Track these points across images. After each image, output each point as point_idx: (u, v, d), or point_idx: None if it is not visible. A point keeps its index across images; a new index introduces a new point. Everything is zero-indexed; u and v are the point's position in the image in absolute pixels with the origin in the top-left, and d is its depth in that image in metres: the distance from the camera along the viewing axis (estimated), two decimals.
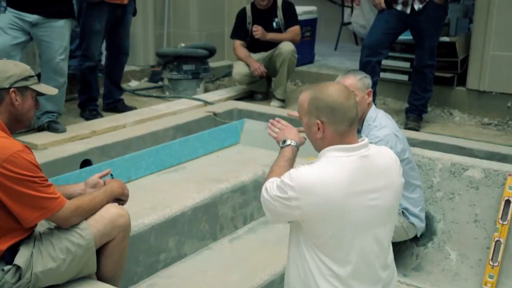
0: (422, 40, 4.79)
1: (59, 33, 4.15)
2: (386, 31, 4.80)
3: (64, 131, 4.15)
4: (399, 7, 4.72)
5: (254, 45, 5.54)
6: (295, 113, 2.50)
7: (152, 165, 4.00)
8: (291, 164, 2.30)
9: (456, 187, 3.60)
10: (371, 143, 2.24)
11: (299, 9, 6.02)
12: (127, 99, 5.27)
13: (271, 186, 2.16)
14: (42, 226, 2.53)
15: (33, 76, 2.53)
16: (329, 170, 2.07)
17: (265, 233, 3.73)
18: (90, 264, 2.53)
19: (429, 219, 3.63)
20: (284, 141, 2.38)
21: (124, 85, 5.51)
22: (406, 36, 5.07)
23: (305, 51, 6.57)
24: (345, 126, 2.11)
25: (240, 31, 5.61)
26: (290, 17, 5.55)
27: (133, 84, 6.13)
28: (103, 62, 5.17)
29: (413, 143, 3.87)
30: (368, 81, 3.26)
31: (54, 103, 4.20)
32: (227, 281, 3.18)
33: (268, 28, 5.49)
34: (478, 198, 3.53)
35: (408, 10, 4.69)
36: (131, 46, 5.15)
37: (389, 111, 4.20)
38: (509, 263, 3.41)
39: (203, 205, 3.56)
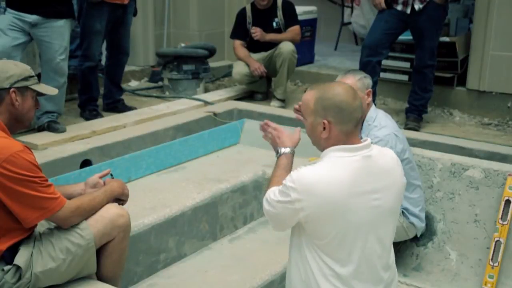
0: (422, 40, 4.79)
1: (59, 33, 4.15)
2: (386, 31, 4.80)
3: (64, 131, 4.15)
4: (399, 7, 4.72)
5: (254, 45, 5.54)
6: (299, 117, 2.50)
7: (152, 165, 4.00)
8: (288, 170, 2.28)
9: (456, 187, 3.60)
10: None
11: (299, 9, 6.02)
12: (127, 99, 5.27)
13: (272, 195, 2.15)
14: (42, 226, 2.53)
15: (33, 76, 2.53)
16: (332, 170, 2.07)
17: (265, 233, 3.72)
18: (90, 264, 2.53)
19: (429, 219, 3.63)
20: (277, 151, 2.36)
21: (124, 85, 5.51)
22: (406, 36, 5.07)
23: (305, 51, 6.57)
24: (351, 127, 2.11)
25: (240, 31, 5.61)
26: (290, 17, 5.55)
27: (133, 84, 6.13)
28: (103, 62, 5.17)
29: (413, 143, 3.87)
30: (367, 81, 3.25)
31: (54, 103, 4.20)
32: (227, 281, 3.18)
33: (268, 28, 5.49)
34: (478, 198, 3.53)
35: (409, 10, 4.69)
36: (131, 46, 5.15)
37: (389, 111, 4.20)
38: (509, 263, 3.41)
39: (203, 205, 3.56)
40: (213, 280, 3.21)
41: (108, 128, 4.33)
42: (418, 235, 3.57)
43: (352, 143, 2.12)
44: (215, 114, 4.75)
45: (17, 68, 2.48)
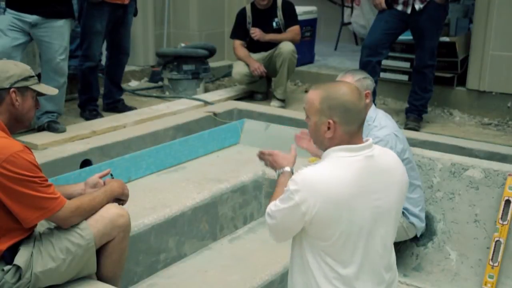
0: (422, 40, 4.79)
1: (58, 33, 4.15)
2: (387, 31, 4.80)
3: (64, 131, 4.15)
4: (399, 7, 4.72)
5: (254, 45, 5.54)
6: (304, 131, 2.51)
7: (152, 165, 4.00)
8: None
9: (456, 187, 3.60)
10: None
11: (299, 9, 6.02)
12: (127, 99, 5.27)
13: (273, 207, 2.14)
14: (42, 226, 2.53)
15: (33, 76, 2.53)
16: (334, 170, 2.06)
17: (265, 233, 3.67)
18: (90, 264, 2.53)
19: (429, 219, 3.63)
20: (277, 174, 2.40)
21: (124, 85, 5.51)
22: (406, 36, 5.07)
23: (305, 51, 6.57)
24: (356, 127, 2.10)
25: (240, 31, 5.61)
26: (290, 17, 5.55)
27: (133, 84, 6.13)
28: (103, 62, 5.17)
29: (413, 143, 3.87)
30: (367, 82, 3.23)
31: (54, 103, 4.20)
32: (227, 281, 3.19)
33: (268, 28, 5.49)
34: (478, 198, 3.53)
35: (409, 10, 4.69)
36: (131, 46, 5.15)
37: (389, 111, 4.20)
38: (509, 263, 3.41)
39: (203, 205, 3.56)
40: (213, 280, 3.21)
41: (108, 128, 4.33)
42: (418, 235, 3.57)
43: (355, 143, 2.11)
44: (215, 114, 4.75)
45: (17, 68, 2.49)
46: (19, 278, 2.36)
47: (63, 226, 2.46)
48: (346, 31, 8.03)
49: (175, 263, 3.39)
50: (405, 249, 3.65)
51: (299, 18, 5.79)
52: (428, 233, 3.64)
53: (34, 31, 4.10)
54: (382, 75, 5.34)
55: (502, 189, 3.45)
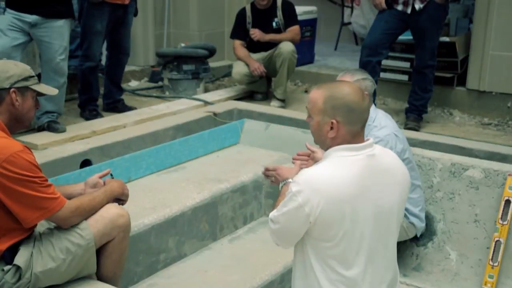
0: (422, 40, 4.79)
1: (58, 33, 4.15)
2: (387, 31, 4.80)
3: (64, 131, 4.15)
4: (399, 7, 4.72)
5: (254, 45, 5.54)
6: (312, 148, 2.50)
7: (152, 165, 3.99)
8: None
9: (456, 187, 3.60)
10: None
11: (299, 9, 6.02)
12: (127, 99, 5.27)
13: (275, 213, 2.13)
14: (42, 226, 2.53)
15: (33, 76, 2.53)
16: (336, 169, 2.06)
17: (265, 233, 3.69)
18: (90, 264, 2.53)
19: (429, 219, 3.63)
20: (281, 184, 2.40)
21: (124, 85, 5.51)
22: (406, 36, 5.07)
23: (305, 51, 6.57)
24: (358, 127, 2.10)
25: (239, 31, 5.61)
26: (290, 17, 5.55)
27: (133, 84, 6.13)
28: (103, 62, 5.17)
29: (413, 143, 3.87)
30: (366, 83, 3.21)
31: (54, 103, 4.20)
32: (227, 281, 3.19)
33: (268, 28, 5.49)
34: (478, 198, 3.53)
35: (409, 10, 4.69)
36: (131, 46, 5.15)
37: (389, 111, 4.21)
38: (509, 263, 3.41)
39: (203, 205, 3.56)
40: (213, 280, 3.21)
41: (108, 128, 4.33)
42: (418, 235, 3.57)
43: (356, 143, 2.11)
44: (215, 114, 4.75)
45: (17, 68, 2.49)
46: (19, 278, 2.37)
47: (63, 226, 2.46)
48: (346, 31, 8.03)
49: (175, 263, 3.39)
50: (405, 249, 3.65)
51: (299, 18, 5.79)
52: (428, 233, 3.64)
53: (34, 31, 4.10)
54: (382, 75, 5.34)
55: (502, 189, 3.45)
